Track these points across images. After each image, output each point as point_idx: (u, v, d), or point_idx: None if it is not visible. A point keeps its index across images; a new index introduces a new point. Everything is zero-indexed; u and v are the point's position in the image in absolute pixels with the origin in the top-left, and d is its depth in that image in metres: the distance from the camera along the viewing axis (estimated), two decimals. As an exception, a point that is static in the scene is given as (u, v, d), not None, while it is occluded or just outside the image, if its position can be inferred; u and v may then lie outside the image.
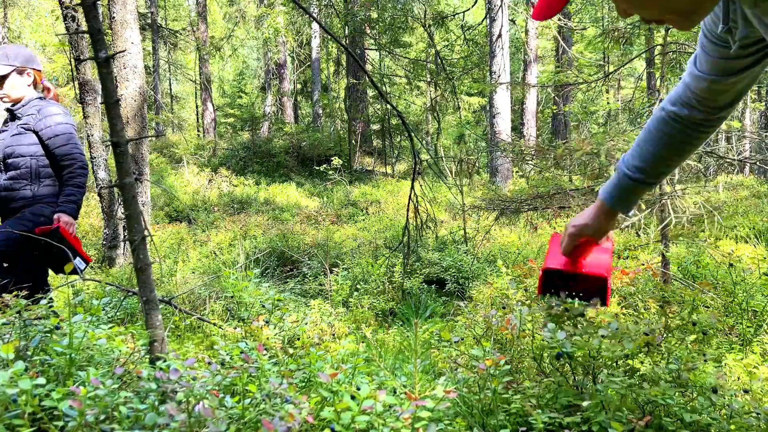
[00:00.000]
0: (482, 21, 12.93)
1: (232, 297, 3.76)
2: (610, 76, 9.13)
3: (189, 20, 22.02)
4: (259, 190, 12.48)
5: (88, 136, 5.92)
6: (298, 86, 24.10)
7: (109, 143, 2.72)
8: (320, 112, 20.23)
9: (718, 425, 1.22)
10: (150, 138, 15.28)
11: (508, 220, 7.93)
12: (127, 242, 1.82)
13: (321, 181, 13.57)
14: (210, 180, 13.08)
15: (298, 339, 2.73)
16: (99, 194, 6.10)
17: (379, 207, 10.38)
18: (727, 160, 5.32)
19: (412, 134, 4.03)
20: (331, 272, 5.07)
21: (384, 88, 15.32)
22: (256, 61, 27.72)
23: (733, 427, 1.22)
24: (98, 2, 1.62)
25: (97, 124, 5.95)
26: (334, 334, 3.66)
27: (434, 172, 10.58)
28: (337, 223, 9.21)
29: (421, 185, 4.04)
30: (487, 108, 13.35)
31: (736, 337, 2.93)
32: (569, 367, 1.42)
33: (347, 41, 13.61)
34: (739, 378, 2.27)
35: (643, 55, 9.09)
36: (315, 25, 18.83)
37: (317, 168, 13.88)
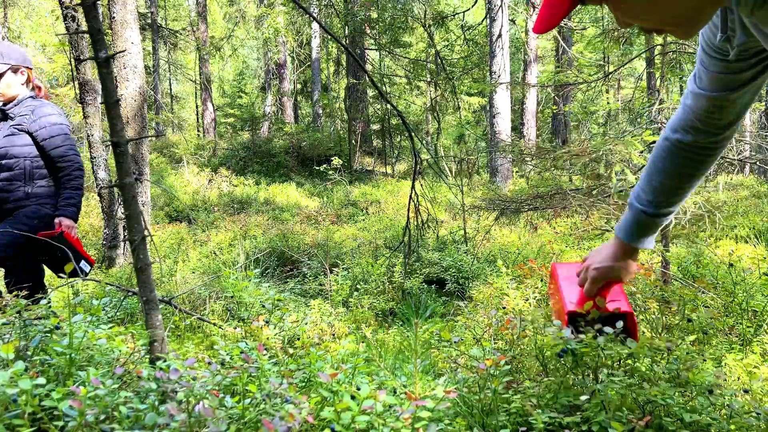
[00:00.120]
0: (482, 21, 12.93)
1: (232, 297, 3.76)
2: (610, 76, 9.14)
3: (189, 20, 22.02)
4: (259, 190, 12.48)
5: (88, 136, 5.92)
6: (298, 86, 24.11)
7: (109, 143, 2.72)
8: (320, 112, 20.23)
9: (718, 425, 1.22)
10: (150, 138, 15.29)
11: (508, 220, 7.93)
12: (127, 242, 1.82)
13: (321, 181, 13.58)
14: (210, 180, 13.08)
15: (298, 339, 2.73)
16: (99, 194, 6.10)
17: (379, 207, 10.38)
18: (727, 160, 5.32)
19: (412, 134, 4.03)
20: (331, 272, 5.07)
21: (384, 88, 15.32)
22: (256, 61, 27.72)
23: (733, 427, 1.22)
24: (98, 2, 1.62)
25: (97, 124, 5.95)
26: (334, 334, 3.66)
27: (434, 172, 10.58)
28: (337, 223, 9.21)
29: (421, 185, 4.04)
30: (487, 108, 13.35)
31: (736, 337, 2.93)
32: (573, 365, 1.42)
33: (347, 41, 13.61)
34: (739, 378, 2.27)
35: (643, 55, 9.09)
36: (315, 25, 18.83)
37: (317, 168, 13.88)
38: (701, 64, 1.23)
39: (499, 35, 10.92)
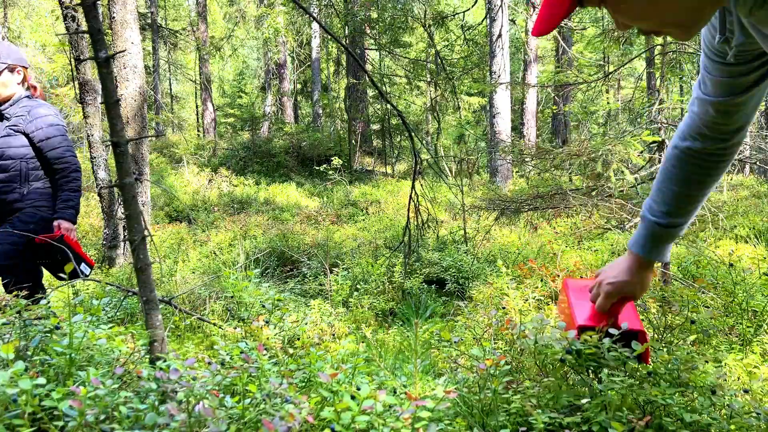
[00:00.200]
0: (482, 21, 12.94)
1: (232, 297, 3.76)
2: (610, 76, 9.14)
3: (189, 20, 22.02)
4: (259, 190, 12.48)
5: (88, 136, 5.92)
6: (298, 86, 24.11)
7: (109, 143, 2.72)
8: (320, 112, 20.23)
9: (718, 425, 1.22)
10: (150, 138, 15.29)
11: (508, 220, 7.94)
12: (127, 242, 1.82)
13: (321, 181, 13.58)
14: (210, 180, 13.08)
15: (298, 339, 2.73)
16: (99, 194, 6.10)
17: (379, 207, 10.39)
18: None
19: (412, 134, 4.03)
20: (331, 272, 5.07)
21: (384, 88, 15.33)
22: (256, 61, 27.73)
23: (733, 427, 1.22)
24: (98, 2, 1.62)
25: (97, 124, 5.95)
26: (334, 334, 3.66)
27: (434, 172, 10.59)
28: (337, 223, 9.21)
29: (421, 185, 4.04)
30: (487, 108, 13.35)
31: (736, 337, 2.93)
32: (575, 364, 1.41)
33: (347, 41, 13.61)
34: (739, 378, 2.27)
35: (643, 55, 9.10)
36: (315, 25, 18.83)
37: (317, 168, 13.89)
38: (705, 70, 1.22)
39: (499, 35, 10.92)
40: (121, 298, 3.24)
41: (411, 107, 18.73)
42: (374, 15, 13.33)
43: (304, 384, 1.65)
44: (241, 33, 21.46)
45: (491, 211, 6.58)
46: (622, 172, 3.96)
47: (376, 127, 16.79)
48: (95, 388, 1.22)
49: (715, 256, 4.43)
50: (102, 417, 1.19)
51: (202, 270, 5.41)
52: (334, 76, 22.13)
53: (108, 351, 1.63)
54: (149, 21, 17.89)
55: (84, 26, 5.74)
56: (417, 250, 5.66)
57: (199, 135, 19.60)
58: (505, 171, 11.51)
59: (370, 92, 17.36)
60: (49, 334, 1.54)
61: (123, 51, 5.79)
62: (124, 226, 5.63)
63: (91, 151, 5.94)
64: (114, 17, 5.83)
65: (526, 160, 5.43)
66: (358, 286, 4.85)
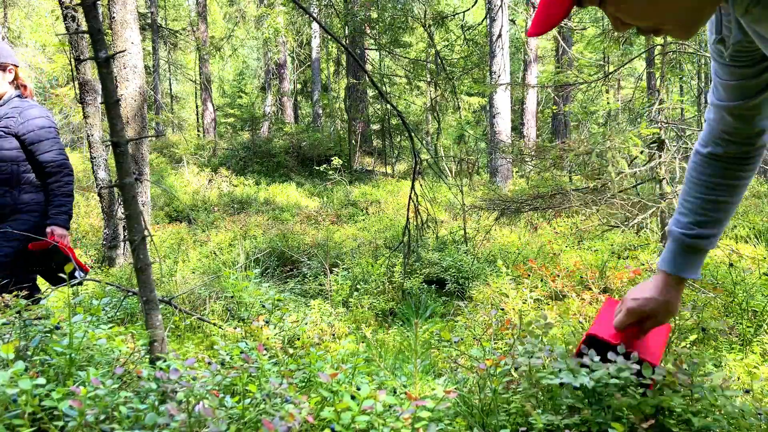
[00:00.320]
0: (482, 21, 12.94)
1: (232, 297, 3.76)
2: (610, 76, 9.14)
3: (189, 20, 22.02)
4: (259, 190, 12.48)
5: (88, 136, 5.92)
6: (298, 86, 24.11)
7: (109, 143, 2.70)
8: (320, 112, 20.23)
9: (719, 425, 1.22)
10: (150, 138, 15.29)
11: (508, 220, 7.93)
12: (127, 242, 1.82)
13: (321, 181, 13.58)
14: (210, 180, 13.08)
15: (298, 339, 2.73)
16: (99, 194, 6.10)
17: (379, 207, 10.39)
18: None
19: (412, 134, 4.03)
20: (331, 272, 5.07)
21: (384, 88, 15.33)
22: (256, 61, 27.73)
23: (733, 427, 1.22)
24: (98, 2, 1.62)
25: (97, 124, 5.95)
26: (334, 334, 3.66)
27: (434, 172, 10.59)
28: (337, 223, 9.21)
29: (421, 185, 4.04)
30: (487, 108, 13.35)
31: (736, 337, 2.93)
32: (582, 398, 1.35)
33: (347, 41, 13.61)
34: (739, 378, 2.27)
35: (643, 55, 9.09)
36: (315, 25, 18.84)
37: (317, 168, 13.89)
38: (715, 75, 1.22)
39: (499, 35, 10.92)
40: (121, 298, 3.24)
41: (411, 107, 18.73)
42: (374, 15, 13.33)
43: (304, 384, 1.65)
44: (241, 33, 21.46)
45: (491, 211, 6.58)
46: (622, 167, 3.96)
47: (376, 127, 16.80)
48: (95, 388, 1.22)
49: (715, 256, 4.43)
50: (102, 417, 1.19)
51: (202, 270, 5.41)
52: (334, 76, 22.13)
53: (108, 351, 1.63)
54: (149, 21, 17.89)
55: (84, 26, 5.74)
56: (417, 250, 5.67)
57: (199, 135, 19.60)
58: (505, 171, 11.51)
59: (370, 92, 17.36)
60: (49, 334, 1.54)
61: (123, 51, 5.78)
62: (124, 226, 5.63)
63: (91, 151, 5.94)
64: (114, 17, 5.83)
65: (526, 159, 5.43)
66: (358, 286, 4.85)
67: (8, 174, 2.84)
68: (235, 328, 2.88)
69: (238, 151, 15.57)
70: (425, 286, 5.11)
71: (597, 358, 1.29)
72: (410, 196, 3.94)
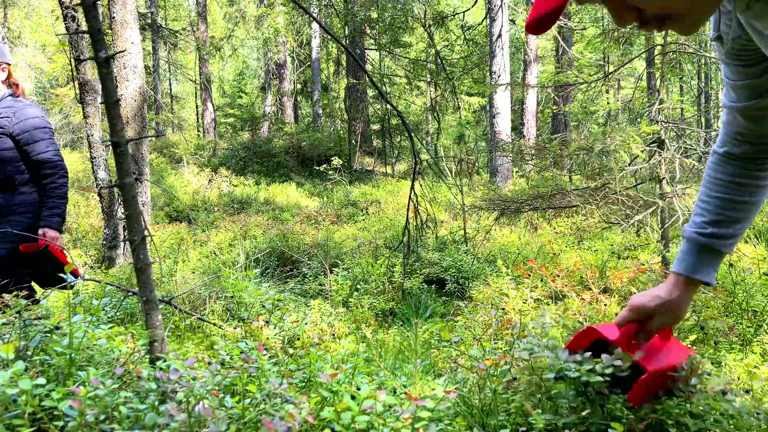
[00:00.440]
0: (482, 21, 12.94)
1: (232, 297, 3.76)
2: (610, 76, 9.15)
3: (189, 20, 22.02)
4: (259, 190, 12.49)
5: (88, 136, 5.92)
6: (298, 86, 24.11)
7: (109, 143, 2.68)
8: (320, 112, 20.24)
9: (719, 427, 1.22)
10: (150, 138, 15.29)
11: (508, 220, 7.93)
12: (127, 242, 1.82)
13: (321, 181, 13.58)
14: (210, 180, 13.08)
15: (298, 339, 2.73)
16: (99, 194, 6.10)
17: (379, 207, 10.39)
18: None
19: (412, 134, 4.03)
20: (331, 272, 5.07)
21: (384, 88, 15.33)
22: (256, 61, 27.73)
23: (733, 427, 1.22)
24: (98, 2, 1.62)
25: (97, 124, 5.95)
26: (334, 334, 3.66)
27: (434, 172, 10.59)
28: (337, 223, 9.21)
29: (421, 185, 4.04)
30: (487, 108, 13.35)
31: (736, 337, 2.93)
32: (571, 390, 1.34)
33: (347, 41, 13.61)
34: (739, 378, 2.27)
35: (643, 55, 9.09)
36: (315, 25, 18.84)
37: (317, 168, 13.89)
38: (725, 77, 1.23)
39: (499, 35, 10.92)
40: (121, 298, 3.24)
41: (411, 107, 18.74)
42: (374, 15, 13.33)
43: (304, 384, 1.65)
44: (241, 33, 21.46)
45: (491, 211, 6.58)
46: (624, 161, 3.96)
47: (376, 127, 16.80)
48: (95, 388, 1.22)
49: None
50: (102, 417, 1.19)
51: (202, 270, 5.41)
52: (334, 76, 22.13)
53: (108, 351, 1.63)
54: (149, 21, 17.89)
55: (84, 26, 5.74)
56: (417, 250, 5.67)
57: (199, 135, 19.60)
58: (505, 171, 11.51)
59: (370, 92, 17.36)
60: (49, 334, 1.54)
61: (123, 51, 5.79)
62: (124, 226, 5.63)
63: (91, 151, 5.94)
64: (114, 17, 5.83)
65: (526, 158, 5.43)
66: (358, 286, 4.85)
67: (2, 175, 2.78)
68: (235, 328, 2.88)
69: (238, 151, 15.57)
70: (425, 286, 5.11)
71: (588, 354, 1.27)
72: (410, 196, 3.94)
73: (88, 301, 2.86)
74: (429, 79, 14.71)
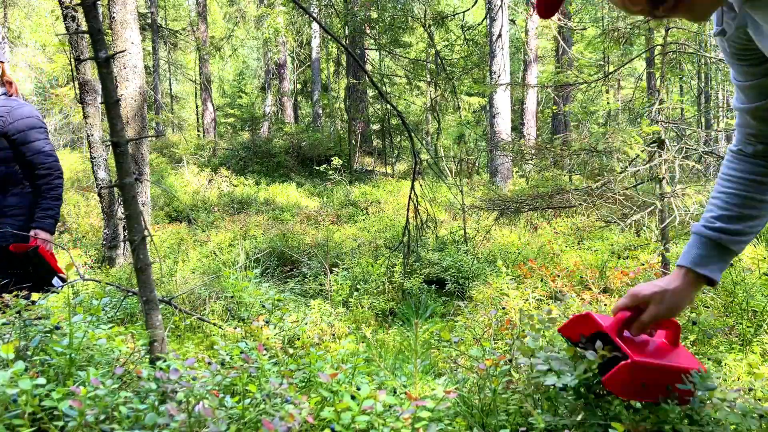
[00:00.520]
0: (482, 21, 12.94)
1: (232, 297, 3.76)
2: (610, 76, 9.15)
3: (189, 20, 22.03)
4: (259, 190, 12.49)
5: (88, 136, 5.93)
6: (298, 86, 24.11)
7: (109, 143, 2.66)
8: (320, 112, 20.24)
9: (719, 427, 1.22)
10: (150, 138, 15.29)
11: (508, 220, 7.93)
12: (127, 242, 1.82)
13: (321, 181, 13.58)
14: (210, 180, 13.08)
15: (298, 339, 2.73)
16: (99, 194, 6.10)
17: (379, 207, 10.39)
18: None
19: (412, 134, 4.03)
20: (331, 272, 5.07)
21: (384, 88, 15.33)
22: (256, 61, 27.73)
23: (733, 427, 1.22)
24: (98, 2, 1.62)
25: (97, 124, 5.95)
26: (334, 334, 3.66)
27: (434, 172, 10.59)
28: (337, 223, 9.21)
29: (421, 185, 4.04)
30: (487, 108, 13.35)
31: (736, 337, 2.93)
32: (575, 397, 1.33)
33: (347, 41, 13.61)
34: (739, 378, 2.27)
35: (643, 55, 9.09)
36: (315, 25, 18.84)
37: (317, 168, 13.89)
38: (733, 79, 1.23)
39: (499, 35, 10.92)
40: (121, 298, 3.24)
41: (411, 107, 18.73)
42: (374, 15, 13.33)
43: (304, 384, 1.65)
44: (241, 33, 21.46)
45: (491, 211, 6.58)
46: (625, 167, 3.96)
47: (376, 127, 16.80)
48: (95, 388, 1.22)
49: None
50: (102, 417, 1.19)
51: (202, 270, 5.41)
52: (334, 76, 22.13)
53: (108, 351, 1.63)
54: (149, 21, 17.89)
55: (84, 26, 5.74)
56: (417, 250, 5.67)
57: (199, 135, 19.60)
58: (505, 171, 11.51)
59: (370, 92, 17.36)
60: (49, 334, 1.54)
61: (123, 51, 5.79)
62: (124, 226, 5.63)
63: (91, 151, 5.94)
64: (114, 17, 5.83)
65: (527, 158, 5.43)
66: (358, 286, 4.85)
67: None
68: (235, 328, 2.88)
69: (238, 151, 15.57)
70: (425, 286, 5.11)
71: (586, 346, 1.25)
72: (410, 196, 3.93)
73: (88, 301, 2.85)
74: (429, 79, 14.71)
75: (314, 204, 11.52)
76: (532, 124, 13.98)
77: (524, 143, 10.98)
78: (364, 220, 9.32)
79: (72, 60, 7.19)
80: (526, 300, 3.40)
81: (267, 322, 2.68)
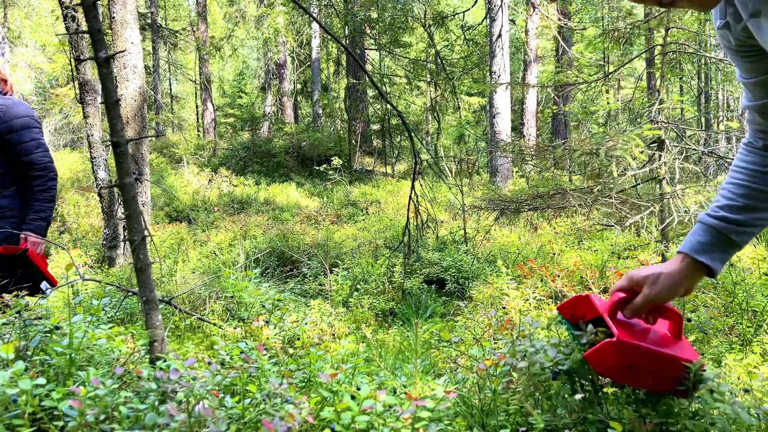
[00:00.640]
0: (482, 21, 12.94)
1: (232, 297, 3.76)
2: (610, 76, 9.15)
3: (189, 20, 22.02)
4: (259, 190, 12.49)
5: (88, 136, 5.93)
6: (298, 86, 24.11)
7: (109, 143, 2.64)
8: (320, 112, 20.24)
9: (720, 426, 1.22)
10: (150, 138, 15.29)
11: (508, 220, 7.94)
12: (127, 242, 1.82)
13: (321, 181, 13.59)
14: (210, 180, 13.08)
15: (298, 339, 2.73)
16: (99, 194, 6.10)
17: (379, 207, 10.39)
18: (727, 160, 5.32)
19: (412, 134, 4.03)
20: (331, 272, 5.07)
21: (384, 88, 15.33)
22: (256, 61, 27.73)
23: (733, 427, 1.22)
24: (98, 2, 1.62)
25: (97, 124, 5.95)
26: (334, 334, 3.66)
27: (434, 172, 10.59)
28: (337, 223, 9.21)
29: (421, 185, 4.04)
30: (487, 108, 13.35)
31: (736, 337, 2.93)
32: (569, 383, 1.34)
33: (347, 41, 13.61)
34: (739, 378, 2.27)
35: (643, 55, 9.10)
36: (315, 25, 18.84)
37: (317, 168, 13.89)
38: (740, 78, 1.23)
39: (499, 35, 10.92)
40: (121, 298, 3.24)
41: (411, 107, 18.74)
42: (374, 15, 13.33)
43: (304, 384, 1.65)
44: (241, 33, 21.46)
45: (491, 211, 6.58)
46: (625, 169, 3.96)
47: (376, 127, 16.80)
48: (95, 388, 1.22)
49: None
50: (102, 417, 1.19)
51: (202, 270, 5.41)
52: (334, 76, 22.13)
53: (108, 351, 1.63)
54: (149, 21, 17.89)
55: (84, 26, 5.74)
56: (417, 250, 5.67)
57: (199, 135, 19.60)
58: (505, 171, 11.51)
59: (370, 92, 17.36)
60: (49, 334, 1.54)
61: (123, 51, 5.79)
62: (124, 226, 5.63)
63: (91, 151, 5.94)
64: (114, 17, 5.83)
65: (526, 159, 5.43)
66: (358, 286, 4.85)
67: None
68: (235, 328, 2.88)
69: (238, 151, 15.57)
70: (425, 286, 5.11)
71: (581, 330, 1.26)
72: (410, 196, 3.93)
73: (88, 301, 2.85)
74: (429, 79, 14.71)
75: (314, 204, 11.52)
76: (532, 124, 13.97)
77: (524, 143, 10.99)
78: (364, 220, 9.32)
79: (72, 60, 7.19)
80: (526, 300, 3.40)
81: (267, 322, 2.68)
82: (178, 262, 5.76)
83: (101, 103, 5.01)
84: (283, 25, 17.34)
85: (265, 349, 1.90)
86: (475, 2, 11.07)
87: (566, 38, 14.95)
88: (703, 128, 16.04)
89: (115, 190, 5.99)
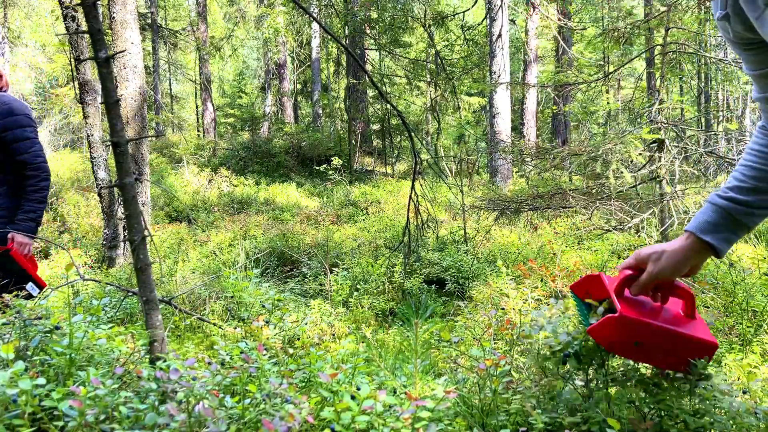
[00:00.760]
0: (482, 21, 12.94)
1: (232, 297, 3.76)
2: (610, 76, 9.14)
3: (189, 20, 22.02)
4: (259, 190, 12.49)
5: (88, 136, 5.92)
6: (298, 86, 24.11)
7: (109, 143, 2.64)
8: (320, 112, 20.23)
9: (720, 426, 1.22)
10: (150, 138, 15.29)
11: (508, 220, 7.93)
12: (127, 242, 1.82)
13: (321, 181, 13.59)
14: (210, 180, 13.08)
15: (298, 339, 2.73)
16: (99, 194, 6.10)
17: (379, 207, 10.39)
18: (727, 160, 5.32)
19: (412, 134, 4.03)
20: (331, 272, 5.07)
21: (384, 88, 15.33)
22: (256, 61, 27.73)
23: (734, 427, 1.22)
24: (98, 2, 1.62)
25: (97, 124, 5.95)
26: (334, 334, 3.66)
27: (434, 172, 10.59)
28: (337, 223, 9.21)
29: (421, 185, 4.04)
30: (487, 108, 13.35)
31: (736, 337, 2.93)
32: (576, 367, 1.35)
33: (347, 41, 13.61)
34: (738, 378, 2.27)
35: (643, 55, 9.10)
36: (315, 25, 18.84)
37: (317, 168, 13.89)
38: (746, 71, 1.23)
39: (499, 35, 10.92)
40: (121, 298, 3.23)
41: (411, 107, 18.74)
42: (374, 15, 13.34)
43: (304, 384, 1.65)
44: (241, 33, 21.45)
45: (491, 211, 6.59)
46: (621, 172, 3.96)
47: (376, 127, 16.80)
48: (95, 388, 1.22)
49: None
50: (102, 417, 1.19)
51: (202, 270, 5.41)
52: (334, 76, 22.13)
53: (108, 351, 1.63)
54: (149, 21, 17.89)
55: (84, 26, 5.74)
56: (417, 250, 5.67)
57: (199, 135, 19.60)
58: (505, 171, 11.51)
59: (370, 92, 17.36)
60: (49, 334, 1.54)
61: (123, 51, 5.79)
62: (124, 226, 5.63)
63: (91, 151, 5.94)
64: (114, 17, 5.83)
65: (527, 159, 5.44)
66: (358, 286, 4.85)
67: None
68: (235, 328, 2.88)
69: (238, 151, 15.57)
70: (425, 286, 5.11)
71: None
72: (410, 196, 3.93)
73: (88, 301, 2.85)
74: (429, 79, 14.71)
75: (314, 204, 11.52)
76: (532, 124, 13.97)
77: (524, 143, 10.99)
78: (364, 220, 9.32)
79: (72, 60, 7.19)
80: (526, 300, 3.40)
81: (267, 322, 2.68)
82: (178, 262, 5.76)
83: (101, 103, 5.00)
84: (283, 25, 17.34)
85: (265, 349, 1.90)
86: (475, 2, 11.07)
87: (566, 38, 14.95)
88: (703, 128, 16.04)
89: (115, 190, 5.99)
